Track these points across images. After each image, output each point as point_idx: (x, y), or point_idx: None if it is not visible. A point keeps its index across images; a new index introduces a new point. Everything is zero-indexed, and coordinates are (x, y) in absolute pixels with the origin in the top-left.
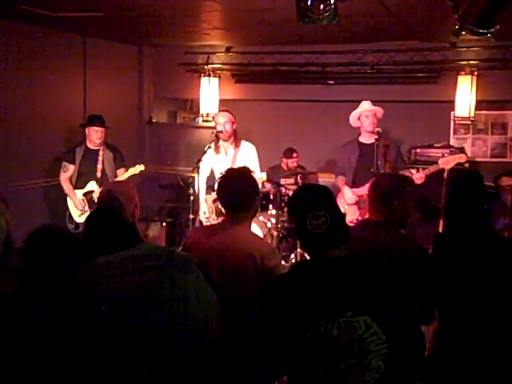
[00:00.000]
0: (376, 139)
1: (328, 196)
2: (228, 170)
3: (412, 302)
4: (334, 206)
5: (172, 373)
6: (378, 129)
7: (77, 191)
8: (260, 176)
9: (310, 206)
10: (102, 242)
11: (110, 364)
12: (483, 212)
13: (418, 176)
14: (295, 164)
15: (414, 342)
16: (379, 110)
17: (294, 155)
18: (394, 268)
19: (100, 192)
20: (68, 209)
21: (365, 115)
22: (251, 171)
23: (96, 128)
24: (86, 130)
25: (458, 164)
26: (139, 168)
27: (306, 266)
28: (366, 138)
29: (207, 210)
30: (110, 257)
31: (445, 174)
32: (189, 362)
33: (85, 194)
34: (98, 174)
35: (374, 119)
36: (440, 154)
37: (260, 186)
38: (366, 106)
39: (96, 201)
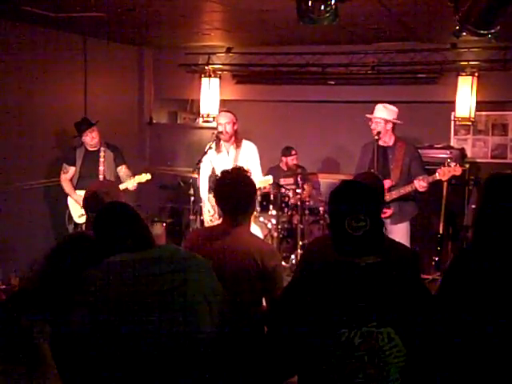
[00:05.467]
0: (376, 139)
1: (373, 200)
2: (223, 171)
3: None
4: (376, 211)
5: (182, 377)
6: (378, 129)
7: (79, 192)
8: (266, 179)
9: (353, 207)
10: (118, 240)
11: (117, 367)
12: None
13: (420, 184)
14: (295, 161)
15: (432, 357)
16: (384, 116)
17: (293, 152)
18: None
19: (86, 192)
20: (68, 209)
21: (375, 122)
22: (247, 171)
23: (87, 133)
24: (82, 138)
25: (454, 176)
26: (145, 177)
27: (332, 269)
28: (382, 141)
29: (211, 209)
30: (128, 256)
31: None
32: (201, 365)
33: None
34: (101, 177)
35: (378, 125)
36: (441, 155)
37: (269, 187)
38: (378, 113)
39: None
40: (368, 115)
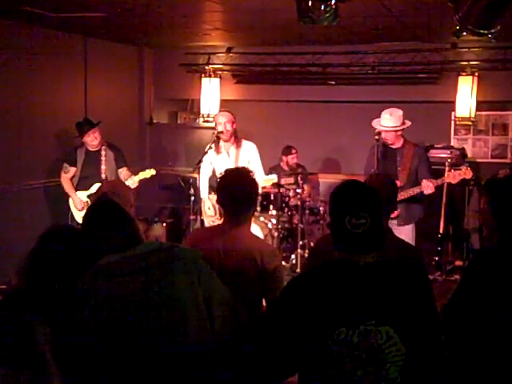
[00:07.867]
0: (376, 140)
1: (374, 199)
2: (226, 170)
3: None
4: (377, 210)
5: (179, 373)
6: (389, 137)
7: (81, 192)
8: (271, 178)
9: (354, 206)
10: (107, 241)
11: (114, 366)
12: None
13: (427, 185)
14: (295, 160)
15: (434, 357)
16: (391, 125)
17: (293, 151)
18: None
19: (96, 193)
20: (70, 209)
21: (385, 131)
22: (250, 171)
23: (88, 133)
24: (83, 139)
25: (464, 180)
26: (150, 172)
27: (331, 268)
28: (391, 144)
29: (211, 209)
30: (116, 256)
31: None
32: (196, 360)
33: (89, 196)
34: (103, 176)
35: (393, 134)
36: (441, 155)
37: (269, 187)
38: (385, 122)
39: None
40: (377, 126)
